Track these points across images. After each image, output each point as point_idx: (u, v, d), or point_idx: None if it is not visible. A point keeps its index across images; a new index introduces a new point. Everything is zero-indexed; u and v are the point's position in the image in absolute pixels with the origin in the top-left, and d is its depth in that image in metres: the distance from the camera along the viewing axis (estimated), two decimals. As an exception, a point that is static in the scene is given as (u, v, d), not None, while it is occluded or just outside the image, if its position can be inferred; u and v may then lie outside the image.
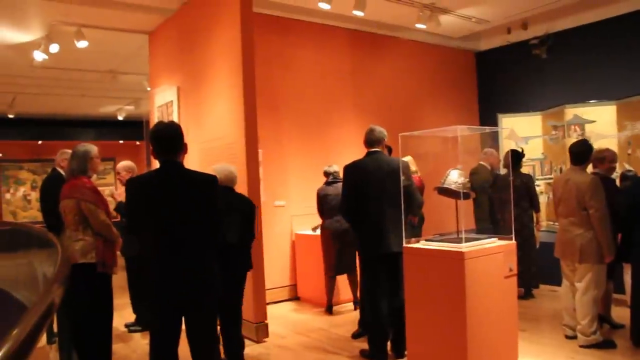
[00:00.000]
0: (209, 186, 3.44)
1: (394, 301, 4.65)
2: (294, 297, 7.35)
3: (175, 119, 7.02)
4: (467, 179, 4.15)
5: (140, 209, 3.31)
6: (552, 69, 8.66)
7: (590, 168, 5.18)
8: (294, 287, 7.39)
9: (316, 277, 6.92)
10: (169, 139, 3.37)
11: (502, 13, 8.17)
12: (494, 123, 8.49)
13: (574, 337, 5.06)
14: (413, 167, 6.66)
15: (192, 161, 6.58)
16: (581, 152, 4.98)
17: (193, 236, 3.27)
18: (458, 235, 4.04)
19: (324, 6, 6.65)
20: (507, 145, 8.07)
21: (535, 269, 6.79)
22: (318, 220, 7.02)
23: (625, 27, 7.76)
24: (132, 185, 3.45)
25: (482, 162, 7.27)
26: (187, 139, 6.57)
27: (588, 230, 4.76)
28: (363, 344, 4.99)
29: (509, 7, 7.95)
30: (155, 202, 3.26)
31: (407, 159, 6.68)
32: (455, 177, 4.11)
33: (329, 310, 6.62)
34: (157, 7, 7.05)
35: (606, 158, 5.26)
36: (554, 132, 7.91)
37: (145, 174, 3.59)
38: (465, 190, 4.09)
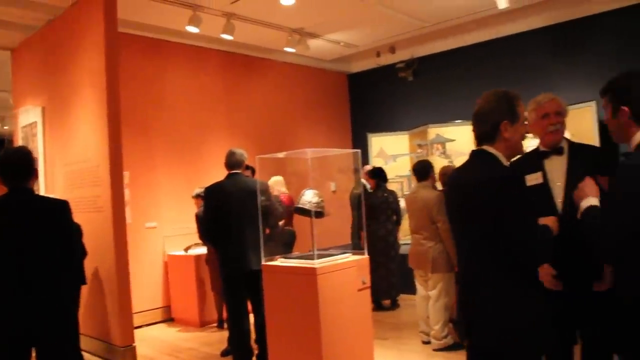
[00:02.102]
0: (61, 211, 3.40)
1: (256, 318, 4.81)
2: (168, 319, 7.29)
3: (40, 141, 6.80)
4: (322, 199, 4.35)
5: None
6: (417, 90, 9.25)
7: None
8: (167, 308, 7.32)
9: (190, 298, 6.92)
10: (17, 166, 3.27)
11: (369, 38, 8.62)
12: (365, 142, 8.91)
13: (429, 342, 5.42)
14: (283, 188, 6.88)
15: (57, 184, 6.42)
16: (421, 169, 5.48)
17: (45, 264, 3.21)
18: (313, 252, 4.24)
19: (192, 29, 6.73)
20: (377, 163, 8.50)
21: (395, 280, 7.14)
22: (191, 241, 7.04)
23: (482, 53, 8.49)
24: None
25: (362, 180, 7.64)
26: (52, 161, 6.49)
27: (438, 242, 5.16)
28: (230, 362, 5.08)
29: (375, 33, 8.41)
30: (1, 231, 3.17)
31: (278, 178, 6.90)
32: (309, 197, 4.32)
33: (221, 325, 6.66)
34: (19, 24, 6.81)
35: (447, 174, 5.74)
36: (419, 150, 8.44)
37: (-11, 201, 3.48)
38: (319, 210, 4.30)
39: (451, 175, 2.70)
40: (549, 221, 2.43)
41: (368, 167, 7.59)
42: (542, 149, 3.09)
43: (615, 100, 2.30)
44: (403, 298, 7.31)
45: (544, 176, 2.99)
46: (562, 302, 2.87)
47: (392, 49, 9.26)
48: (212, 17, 6.95)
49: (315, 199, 4.29)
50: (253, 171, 5.93)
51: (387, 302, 7.20)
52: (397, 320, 6.64)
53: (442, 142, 8.08)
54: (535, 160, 3.06)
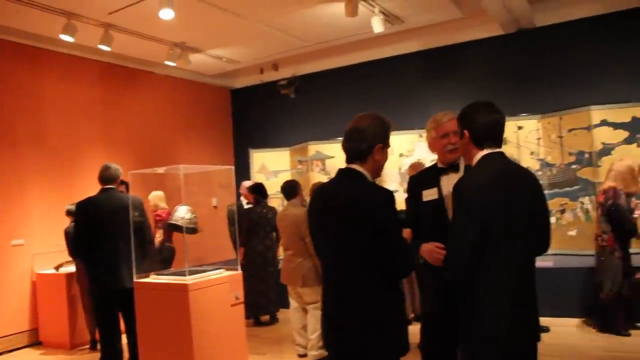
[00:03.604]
0: None
1: (129, 337, 4.71)
2: (35, 342, 6.86)
3: None
4: (195, 215, 4.36)
5: None
6: (299, 108, 9.47)
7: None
8: (34, 331, 6.90)
9: (60, 319, 6.59)
10: None
11: (252, 55, 8.71)
12: (247, 158, 8.97)
13: (305, 355, 5.53)
14: (162, 203, 6.78)
15: None
16: (288, 188, 5.66)
17: None
18: (185, 268, 4.24)
19: (67, 38, 6.49)
20: (258, 179, 8.58)
21: (274, 295, 7.21)
22: (63, 259, 6.74)
23: (361, 74, 8.89)
24: None
25: (242, 196, 7.67)
26: None
27: (307, 258, 5.28)
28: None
29: (258, 50, 8.50)
30: None
31: (158, 194, 6.79)
32: (182, 213, 4.33)
33: (94, 346, 6.38)
34: None
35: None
36: (299, 167, 8.62)
37: None
38: (191, 226, 4.31)
39: (316, 191, 2.80)
40: (405, 234, 2.63)
41: (248, 183, 7.65)
42: (440, 165, 3.23)
43: (460, 124, 2.61)
44: (283, 312, 7.39)
45: (440, 192, 3.13)
46: (444, 312, 3.04)
47: (275, 66, 9.41)
48: (89, 27, 6.74)
49: (189, 215, 4.30)
50: (127, 186, 5.80)
51: (265, 317, 7.25)
52: (275, 335, 6.71)
53: (322, 158, 8.31)
54: (433, 176, 3.21)
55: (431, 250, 2.87)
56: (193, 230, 4.35)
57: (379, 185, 2.57)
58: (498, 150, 2.54)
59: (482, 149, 2.53)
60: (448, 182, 3.12)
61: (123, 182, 5.20)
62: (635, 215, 5.52)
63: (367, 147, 2.51)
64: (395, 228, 2.44)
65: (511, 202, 2.40)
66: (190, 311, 4.02)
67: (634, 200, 5.85)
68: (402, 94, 8.51)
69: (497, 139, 2.56)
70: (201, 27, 7.25)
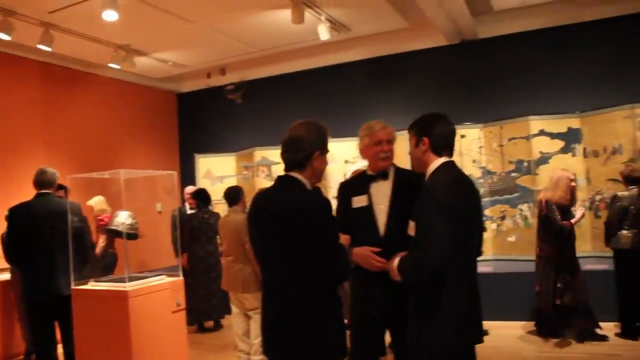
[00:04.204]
0: None
1: (65, 347, 4.58)
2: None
3: None
4: (135, 220, 4.28)
5: None
6: (246, 113, 9.43)
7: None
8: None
9: (-7, 327, 6.35)
10: None
11: (199, 59, 8.61)
12: (193, 163, 8.86)
13: (249, 361, 5.50)
14: (108, 207, 6.61)
15: None
16: (230, 195, 5.66)
17: None
18: (125, 274, 4.15)
19: (3, 36, 6.27)
20: (203, 184, 8.49)
21: (216, 301, 7.15)
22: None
23: (309, 80, 8.94)
24: None
25: (186, 201, 7.58)
26: None
27: (247, 264, 5.25)
28: (35, 395, 4.74)
29: (205, 54, 8.42)
30: None
31: (99, 198, 6.63)
32: (123, 219, 4.25)
33: (28, 357, 6.12)
34: None
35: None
36: (245, 172, 8.57)
37: None
38: (132, 231, 4.23)
39: (256, 197, 2.80)
40: (344, 240, 2.67)
41: (191, 188, 7.57)
42: (369, 172, 3.31)
43: (419, 132, 2.73)
44: (228, 318, 7.31)
45: (370, 199, 3.21)
46: (373, 316, 3.12)
47: (222, 71, 9.35)
48: (28, 26, 6.51)
49: (129, 221, 4.23)
50: (66, 191, 5.65)
51: (209, 323, 7.17)
52: (219, 342, 6.65)
53: (268, 164, 8.29)
54: (362, 183, 3.28)
55: (366, 256, 2.94)
56: (133, 236, 4.27)
57: (318, 193, 2.58)
58: (452, 159, 2.71)
59: (440, 156, 2.68)
60: (377, 189, 3.23)
61: (62, 187, 5.07)
62: (573, 221, 5.70)
63: (305, 155, 2.52)
64: (333, 235, 2.48)
65: (467, 206, 2.60)
66: (130, 318, 3.93)
67: (575, 207, 6.05)
68: (348, 101, 8.59)
69: (452, 148, 2.74)
70: (146, 30, 7.13)
